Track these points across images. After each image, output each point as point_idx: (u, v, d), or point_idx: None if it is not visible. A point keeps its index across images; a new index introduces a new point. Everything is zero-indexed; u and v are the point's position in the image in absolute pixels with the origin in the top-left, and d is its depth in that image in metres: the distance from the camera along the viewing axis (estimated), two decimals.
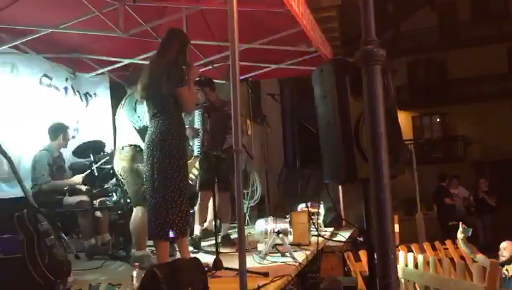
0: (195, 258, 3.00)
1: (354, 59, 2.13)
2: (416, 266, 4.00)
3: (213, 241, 4.75)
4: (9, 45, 4.80)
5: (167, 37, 3.55)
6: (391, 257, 1.98)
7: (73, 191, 4.74)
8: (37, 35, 4.72)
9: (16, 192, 4.42)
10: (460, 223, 4.96)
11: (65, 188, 4.63)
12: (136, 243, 3.91)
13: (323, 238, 4.61)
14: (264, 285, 2.91)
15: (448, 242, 5.32)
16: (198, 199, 4.95)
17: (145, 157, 3.40)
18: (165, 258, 3.29)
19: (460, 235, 4.61)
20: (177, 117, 3.37)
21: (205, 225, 5.07)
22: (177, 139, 3.33)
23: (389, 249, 1.97)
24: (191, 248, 4.66)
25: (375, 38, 2.01)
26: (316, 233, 4.54)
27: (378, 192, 1.98)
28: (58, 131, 4.90)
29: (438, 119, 20.08)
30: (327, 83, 2.37)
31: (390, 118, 2.26)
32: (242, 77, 5.99)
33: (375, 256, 2.11)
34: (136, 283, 2.80)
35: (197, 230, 4.85)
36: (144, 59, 5.53)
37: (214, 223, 4.27)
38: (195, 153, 4.85)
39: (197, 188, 4.96)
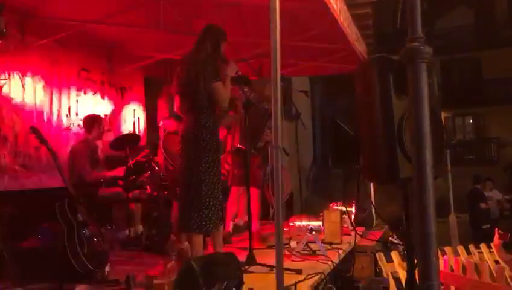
0: (231, 252, 3.02)
1: (399, 57, 2.11)
2: (451, 269, 3.92)
3: (243, 237, 4.79)
4: (49, 39, 4.92)
5: (202, 34, 3.58)
6: (433, 259, 1.95)
7: (109, 182, 4.83)
8: (77, 29, 4.82)
9: (55, 183, 4.54)
10: (495, 228, 4.84)
11: (101, 180, 4.73)
12: (177, 236, 3.98)
13: (358, 235, 4.57)
14: (299, 282, 2.90)
15: (483, 246, 5.20)
16: (230, 194, 4.98)
17: (181, 150, 3.43)
18: (199, 252, 3.33)
19: (497, 241, 4.50)
20: (211, 112, 3.39)
21: (236, 220, 5.11)
22: (210, 134, 3.35)
23: (431, 251, 1.94)
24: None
25: (421, 35, 1.98)
26: (348, 231, 4.51)
27: (421, 193, 1.95)
28: (93, 122, 5.00)
29: (471, 120, 19.62)
30: (370, 81, 2.33)
31: (434, 118, 2.21)
32: None
33: (415, 258, 2.09)
34: (172, 275, 2.83)
35: (227, 225, 4.88)
36: (180, 54, 5.57)
37: (246, 219, 4.28)
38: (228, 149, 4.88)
39: (228, 183, 4.99)
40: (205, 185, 3.28)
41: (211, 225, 3.30)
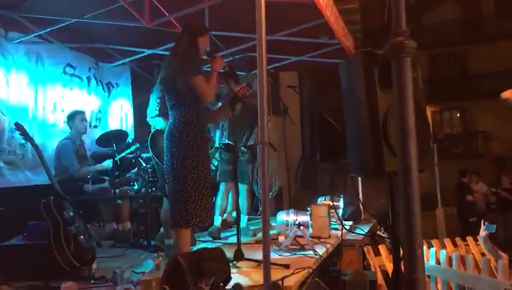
0: (218, 248, 3.02)
1: (384, 51, 2.11)
2: (437, 262, 3.96)
3: (231, 232, 4.80)
4: (34, 35, 4.87)
5: (181, 31, 3.58)
6: (419, 252, 1.96)
7: (95, 179, 4.80)
8: (62, 25, 4.77)
9: (40, 180, 4.50)
10: (482, 220, 4.90)
11: (88, 176, 4.70)
12: (166, 232, 3.96)
13: (345, 230, 4.60)
14: (286, 276, 2.91)
15: (469, 238, 5.26)
16: (219, 190, 4.98)
17: (164, 147, 3.43)
18: (185, 247, 3.31)
19: (483, 232, 4.55)
20: (195, 107, 3.37)
21: (224, 215, 5.11)
22: (195, 129, 3.34)
23: (417, 244, 1.96)
24: (210, 238, 4.72)
25: (406, 29, 1.99)
26: (335, 227, 4.53)
27: (406, 186, 1.97)
28: (74, 116, 4.96)
29: (458, 115, 19.79)
30: (355, 75, 2.34)
31: (418, 111, 2.23)
32: None
33: (401, 251, 2.10)
34: (159, 271, 2.82)
35: (216, 221, 4.88)
36: (166, 50, 5.54)
37: (234, 214, 4.29)
38: (216, 144, 4.87)
39: (217, 179, 4.99)
40: (190, 180, 3.26)
41: (197, 219, 3.29)
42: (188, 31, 3.50)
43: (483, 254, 4.76)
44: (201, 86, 3.31)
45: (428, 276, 4.02)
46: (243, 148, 4.82)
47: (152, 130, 4.45)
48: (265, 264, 2.46)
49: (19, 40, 4.78)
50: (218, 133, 4.84)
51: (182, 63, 3.33)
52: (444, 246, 4.97)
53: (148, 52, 5.90)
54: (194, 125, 3.32)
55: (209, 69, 3.53)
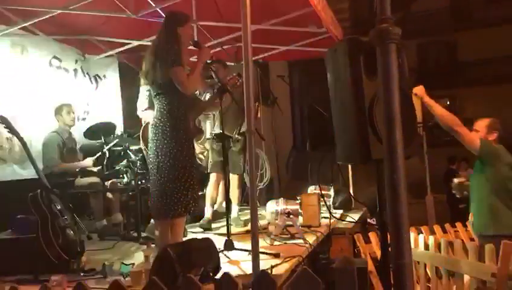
0: (207, 238, 3.02)
1: (369, 38, 2.11)
2: (426, 248, 3.99)
3: (223, 223, 4.80)
4: (18, 26, 4.80)
5: (162, 22, 3.54)
6: (405, 238, 1.98)
7: (85, 172, 4.77)
8: (47, 17, 4.71)
9: (27, 173, 4.47)
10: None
11: (77, 170, 4.67)
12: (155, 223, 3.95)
13: (334, 219, 4.62)
14: (276, 265, 2.92)
15: (458, 224, 5.31)
16: (209, 181, 4.97)
17: (149, 139, 3.41)
18: (166, 239, 3.30)
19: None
20: (176, 99, 3.35)
21: (215, 206, 5.10)
22: (178, 120, 3.32)
23: (403, 230, 1.97)
24: (201, 229, 4.71)
25: (390, 16, 1.98)
26: (325, 215, 4.55)
27: (392, 172, 1.97)
28: (61, 109, 4.91)
29: (448, 102, 19.88)
30: (341, 63, 2.34)
31: (404, 98, 2.23)
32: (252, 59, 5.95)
33: (388, 237, 2.12)
34: (149, 263, 2.82)
35: (207, 212, 4.88)
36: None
37: (224, 204, 4.28)
38: (207, 135, 4.86)
39: (208, 169, 4.98)
40: (174, 171, 3.25)
41: (182, 210, 3.27)
42: (167, 22, 3.47)
43: (472, 239, 4.81)
44: (180, 76, 3.28)
45: (418, 262, 4.05)
46: (236, 135, 4.81)
47: (143, 124, 4.41)
48: (254, 253, 2.46)
49: (3, 33, 4.72)
50: (208, 124, 4.82)
51: (161, 55, 3.31)
52: (433, 232, 5.01)
53: (135, 43, 5.84)
54: (176, 116, 3.30)
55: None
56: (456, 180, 5.06)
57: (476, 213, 4.07)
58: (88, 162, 4.85)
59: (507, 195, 3.87)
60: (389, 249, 2.05)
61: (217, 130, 4.72)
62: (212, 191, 4.97)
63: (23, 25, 4.82)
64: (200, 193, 4.04)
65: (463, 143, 4.18)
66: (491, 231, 3.80)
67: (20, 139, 3.54)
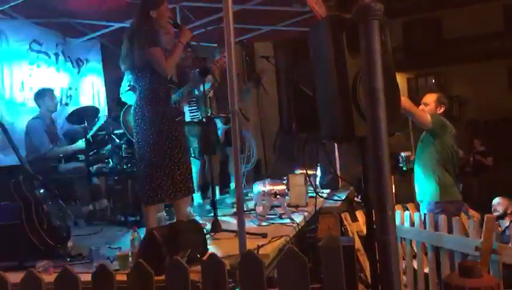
0: (193, 220, 3.02)
1: (351, 15, 2.08)
2: (412, 224, 4.04)
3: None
4: None
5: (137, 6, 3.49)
6: (389, 214, 1.99)
7: (69, 158, 4.72)
8: None
9: (10, 160, 4.40)
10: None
11: (60, 155, 4.61)
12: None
13: (321, 198, 4.64)
14: (263, 245, 2.93)
15: None
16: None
17: (132, 123, 3.40)
18: (152, 223, 3.31)
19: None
20: (155, 81, 3.30)
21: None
22: (157, 104, 3.28)
23: (387, 206, 1.98)
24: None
25: None
26: (313, 195, 4.56)
27: (376, 149, 1.97)
28: (43, 94, 4.83)
29: (434, 80, 19.96)
30: (323, 41, 2.31)
31: (387, 75, 2.22)
32: (236, 40, 5.89)
33: (373, 214, 2.13)
34: (135, 246, 2.81)
35: (197, 198, 4.87)
36: None
37: (210, 187, 4.26)
38: (188, 119, 4.80)
39: (192, 155, 4.94)
40: (155, 156, 3.23)
41: (163, 195, 3.26)
42: (141, 5, 3.41)
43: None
44: (158, 57, 3.25)
45: (404, 238, 4.11)
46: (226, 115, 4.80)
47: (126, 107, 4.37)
48: (240, 233, 2.47)
49: None
50: (188, 109, 4.77)
51: (135, 37, 3.27)
52: (419, 209, 5.06)
53: (117, 25, 5.73)
54: (155, 100, 3.27)
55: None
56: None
57: (422, 182, 4.42)
58: (80, 144, 4.80)
59: (451, 163, 4.34)
60: (374, 225, 2.07)
61: (199, 115, 4.68)
62: (198, 176, 4.95)
63: (1, 8, 4.70)
64: None
65: (415, 122, 4.48)
66: (438, 198, 4.23)
67: (1, 125, 3.47)
